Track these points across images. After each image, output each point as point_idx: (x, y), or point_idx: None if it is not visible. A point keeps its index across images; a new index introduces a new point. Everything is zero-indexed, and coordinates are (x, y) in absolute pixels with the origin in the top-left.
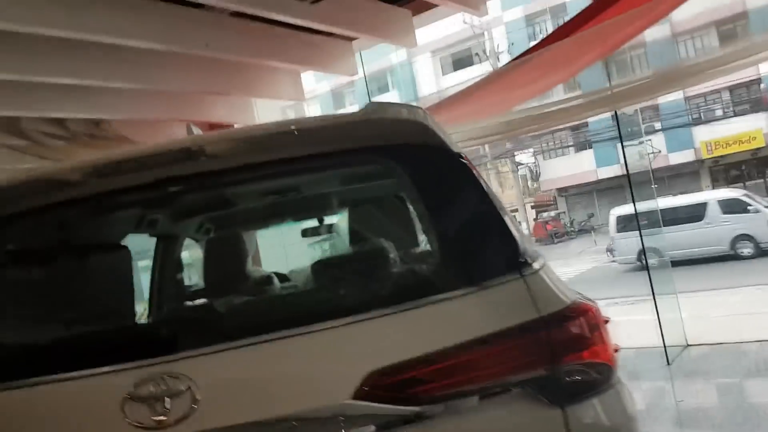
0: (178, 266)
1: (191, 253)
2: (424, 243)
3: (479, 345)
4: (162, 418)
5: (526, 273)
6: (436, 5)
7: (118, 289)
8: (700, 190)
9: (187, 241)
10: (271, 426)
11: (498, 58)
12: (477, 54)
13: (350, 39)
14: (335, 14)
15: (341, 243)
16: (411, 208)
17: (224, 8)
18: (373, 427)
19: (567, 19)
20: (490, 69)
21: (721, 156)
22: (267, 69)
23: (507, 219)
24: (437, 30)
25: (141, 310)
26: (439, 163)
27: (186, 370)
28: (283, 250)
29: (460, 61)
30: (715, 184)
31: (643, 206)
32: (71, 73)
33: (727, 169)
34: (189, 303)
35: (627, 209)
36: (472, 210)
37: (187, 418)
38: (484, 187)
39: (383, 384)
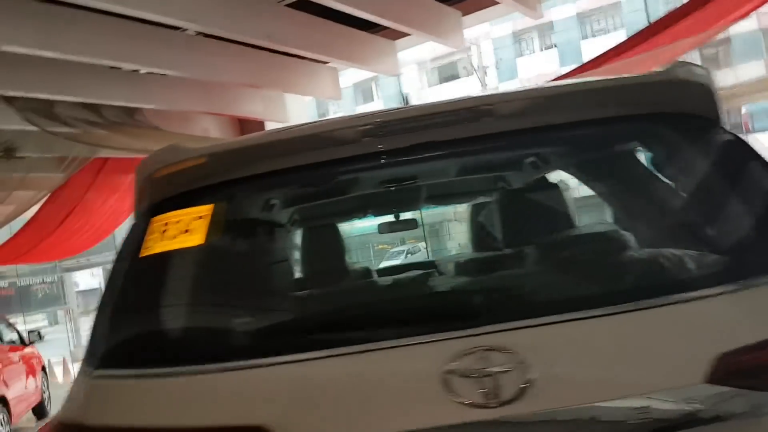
0: (474, 230)
1: (473, 218)
2: (727, 220)
3: None
4: (493, 396)
5: None
6: (494, 3)
7: (416, 254)
8: None
9: (465, 207)
10: (618, 408)
11: (485, 73)
12: (465, 67)
13: (395, 37)
14: (390, 8)
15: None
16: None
17: None
18: (724, 414)
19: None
20: (478, 82)
21: None
22: (307, 64)
23: None
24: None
25: (444, 274)
26: (728, 142)
27: (512, 344)
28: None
29: (447, 75)
30: None
31: None
32: (110, 53)
33: None
34: (495, 270)
35: None
36: None
37: (520, 398)
38: None
39: (738, 368)
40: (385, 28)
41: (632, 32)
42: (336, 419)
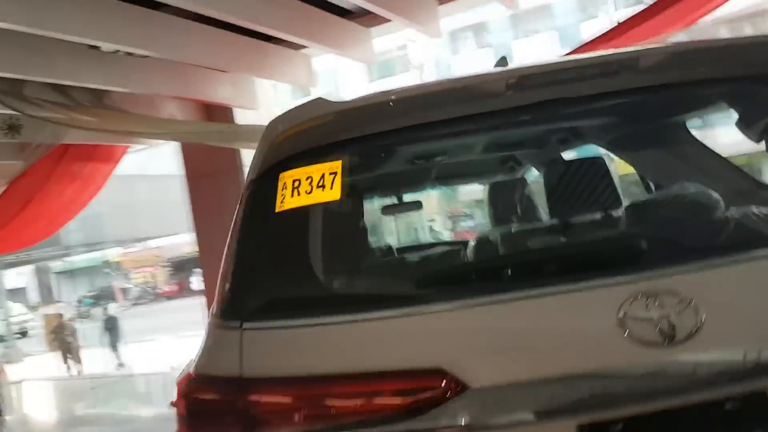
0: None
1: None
2: None
3: None
4: (668, 334)
5: None
6: None
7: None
8: None
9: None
10: None
11: (422, 70)
12: (404, 64)
13: (371, 24)
14: None
15: None
16: None
17: None
18: None
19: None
20: (417, 78)
21: None
22: (280, 49)
23: None
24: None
25: (605, 220)
26: None
27: (682, 286)
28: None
29: (385, 72)
30: None
31: None
32: (83, 28)
33: None
34: (655, 216)
35: None
36: None
37: (692, 337)
38: None
39: None
40: (361, 15)
41: (564, 35)
42: (513, 361)
